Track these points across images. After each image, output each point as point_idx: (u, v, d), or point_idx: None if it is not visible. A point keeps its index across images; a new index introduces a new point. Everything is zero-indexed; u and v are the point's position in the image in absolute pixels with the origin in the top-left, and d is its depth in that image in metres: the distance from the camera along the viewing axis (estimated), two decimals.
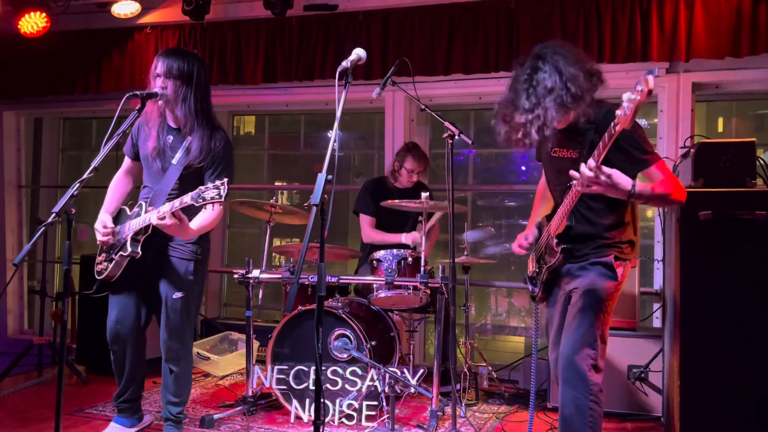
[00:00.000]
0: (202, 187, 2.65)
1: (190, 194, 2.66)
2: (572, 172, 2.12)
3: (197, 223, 2.89)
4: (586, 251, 2.43)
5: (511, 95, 2.37)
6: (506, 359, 4.75)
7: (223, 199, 2.60)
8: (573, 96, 2.25)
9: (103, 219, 3.00)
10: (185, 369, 3.09)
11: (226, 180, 2.64)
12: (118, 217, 3.07)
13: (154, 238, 2.93)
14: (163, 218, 2.71)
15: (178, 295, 2.99)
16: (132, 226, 2.91)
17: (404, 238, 4.17)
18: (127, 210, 3.07)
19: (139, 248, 2.90)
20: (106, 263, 2.99)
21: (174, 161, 2.97)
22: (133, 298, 3.06)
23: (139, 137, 3.09)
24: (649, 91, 1.88)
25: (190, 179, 2.96)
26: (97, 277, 3.03)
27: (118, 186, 3.20)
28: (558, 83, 2.25)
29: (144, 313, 3.11)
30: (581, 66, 2.29)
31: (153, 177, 3.04)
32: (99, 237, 2.97)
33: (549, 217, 2.59)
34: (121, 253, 2.93)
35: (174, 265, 3.01)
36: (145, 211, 2.90)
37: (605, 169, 2.08)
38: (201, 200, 2.63)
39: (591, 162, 2.06)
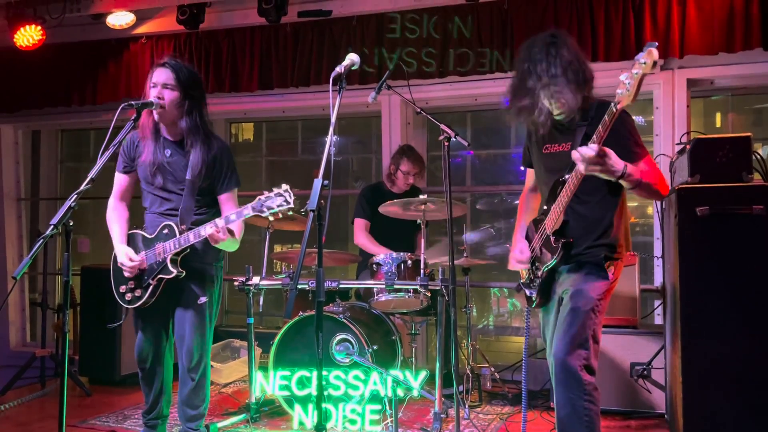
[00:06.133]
0: (261, 197, 2.66)
1: (249, 206, 2.69)
2: (574, 152, 2.16)
3: (238, 231, 2.87)
4: (578, 251, 2.43)
5: (525, 66, 2.41)
6: (509, 360, 4.75)
7: (292, 206, 2.61)
8: (585, 75, 2.34)
9: (126, 251, 2.89)
10: (206, 377, 3.02)
11: (288, 186, 2.64)
12: (132, 242, 2.98)
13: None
14: (218, 232, 2.72)
15: (203, 299, 2.95)
16: (169, 248, 2.84)
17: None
18: (144, 233, 2.96)
19: (179, 267, 2.87)
20: (139, 290, 2.90)
21: (187, 176, 2.90)
22: (158, 319, 3.00)
23: (135, 151, 2.98)
24: (654, 63, 1.90)
25: (205, 191, 2.96)
26: (127, 306, 2.94)
27: (121, 215, 3.04)
28: (575, 58, 2.34)
29: (168, 330, 3.06)
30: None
31: (156, 193, 2.96)
32: (126, 272, 2.88)
33: (536, 222, 2.58)
34: (160, 276, 2.86)
35: (197, 271, 2.95)
36: (180, 232, 2.85)
37: (606, 149, 2.14)
38: (266, 209, 2.64)
39: (593, 145, 2.12)
